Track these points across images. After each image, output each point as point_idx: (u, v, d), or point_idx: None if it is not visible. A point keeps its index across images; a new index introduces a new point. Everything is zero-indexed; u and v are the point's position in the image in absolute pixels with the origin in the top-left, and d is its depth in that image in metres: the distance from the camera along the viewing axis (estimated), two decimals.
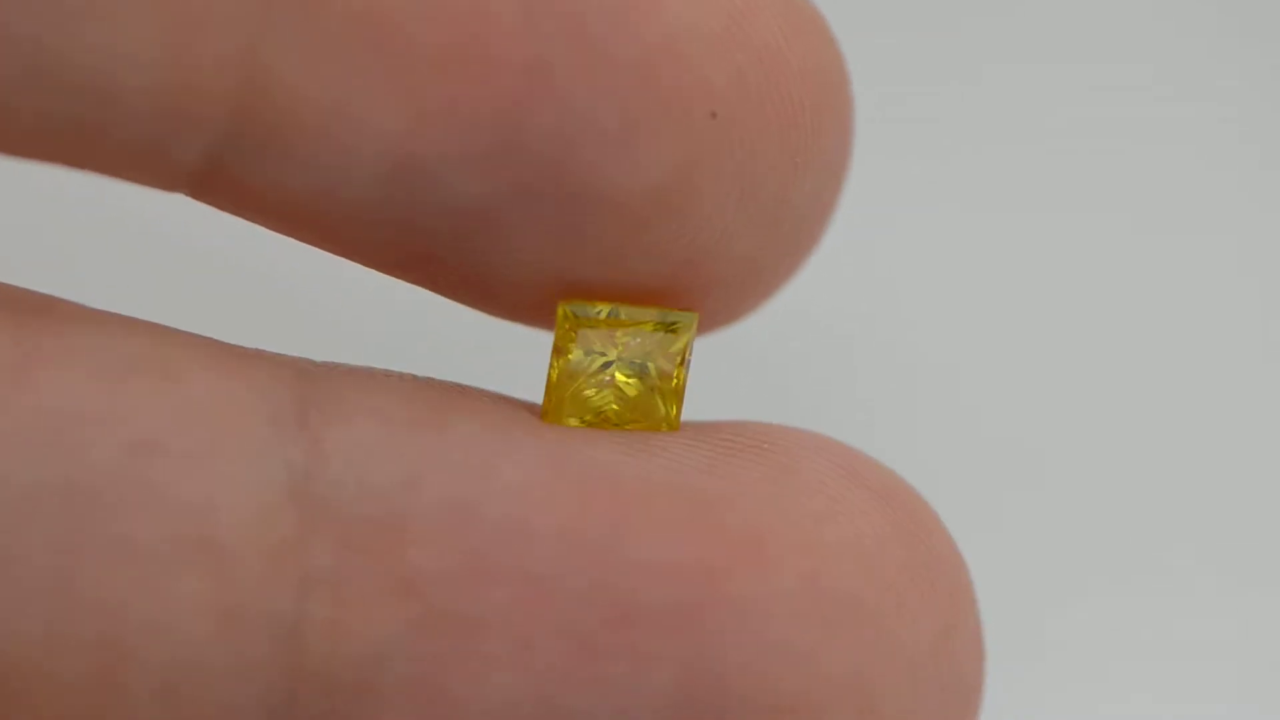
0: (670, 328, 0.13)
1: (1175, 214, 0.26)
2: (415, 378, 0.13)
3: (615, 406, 0.13)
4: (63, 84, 0.11)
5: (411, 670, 0.12)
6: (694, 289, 0.13)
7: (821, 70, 0.13)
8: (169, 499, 0.11)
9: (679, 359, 0.13)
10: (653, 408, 0.13)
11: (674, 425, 0.13)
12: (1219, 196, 0.26)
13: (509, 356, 0.14)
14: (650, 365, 0.13)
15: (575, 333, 0.13)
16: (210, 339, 0.12)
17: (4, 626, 0.11)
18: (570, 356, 0.13)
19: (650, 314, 0.13)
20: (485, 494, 0.12)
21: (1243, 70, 0.26)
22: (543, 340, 0.13)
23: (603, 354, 0.13)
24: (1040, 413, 0.24)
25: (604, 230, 0.12)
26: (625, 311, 0.13)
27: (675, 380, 0.13)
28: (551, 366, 0.13)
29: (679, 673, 0.12)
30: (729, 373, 0.19)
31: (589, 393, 0.13)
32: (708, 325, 0.13)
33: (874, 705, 0.12)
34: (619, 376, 0.13)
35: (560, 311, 0.13)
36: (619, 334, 0.13)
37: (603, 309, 0.13)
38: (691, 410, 0.13)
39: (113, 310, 0.12)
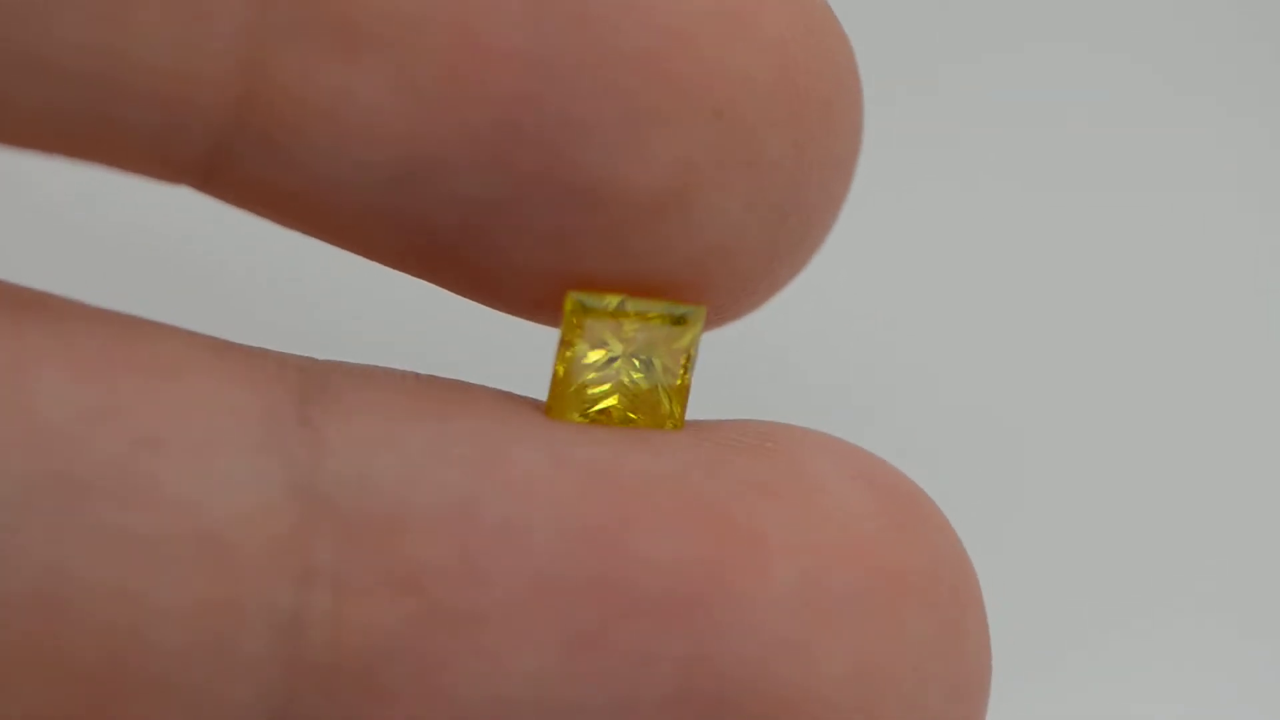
0: (678, 321, 0.13)
1: (1177, 215, 0.25)
2: (418, 376, 0.13)
3: (620, 403, 0.13)
4: (66, 71, 0.11)
5: (412, 665, 0.12)
6: (700, 285, 0.13)
7: (831, 65, 0.12)
8: (167, 494, 0.11)
9: (685, 356, 0.13)
10: (657, 405, 0.13)
11: (678, 424, 0.13)
12: (1220, 190, 0.26)
13: (514, 354, 0.14)
14: (656, 362, 0.13)
15: (582, 326, 0.13)
16: (211, 337, 0.12)
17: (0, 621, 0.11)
18: (576, 350, 0.13)
19: (658, 306, 0.13)
20: (486, 489, 0.12)
21: (1243, 65, 0.26)
22: (548, 338, 0.13)
23: (609, 349, 0.13)
24: (1048, 411, 0.24)
25: (609, 226, 0.12)
26: (633, 304, 0.13)
27: (681, 379, 0.13)
28: (557, 360, 0.13)
29: (679, 669, 0.12)
30: (733, 368, 0.19)
31: (594, 389, 0.13)
32: (713, 321, 0.13)
33: (874, 704, 0.12)
34: (624, 373, 0.13)
35: (568, 304, 0.13)
36: (626, 326, 0.13)
37: (611, 300, 0.13)
38: (695, 404, 0.13)
39: (114, 308, 0.12)
